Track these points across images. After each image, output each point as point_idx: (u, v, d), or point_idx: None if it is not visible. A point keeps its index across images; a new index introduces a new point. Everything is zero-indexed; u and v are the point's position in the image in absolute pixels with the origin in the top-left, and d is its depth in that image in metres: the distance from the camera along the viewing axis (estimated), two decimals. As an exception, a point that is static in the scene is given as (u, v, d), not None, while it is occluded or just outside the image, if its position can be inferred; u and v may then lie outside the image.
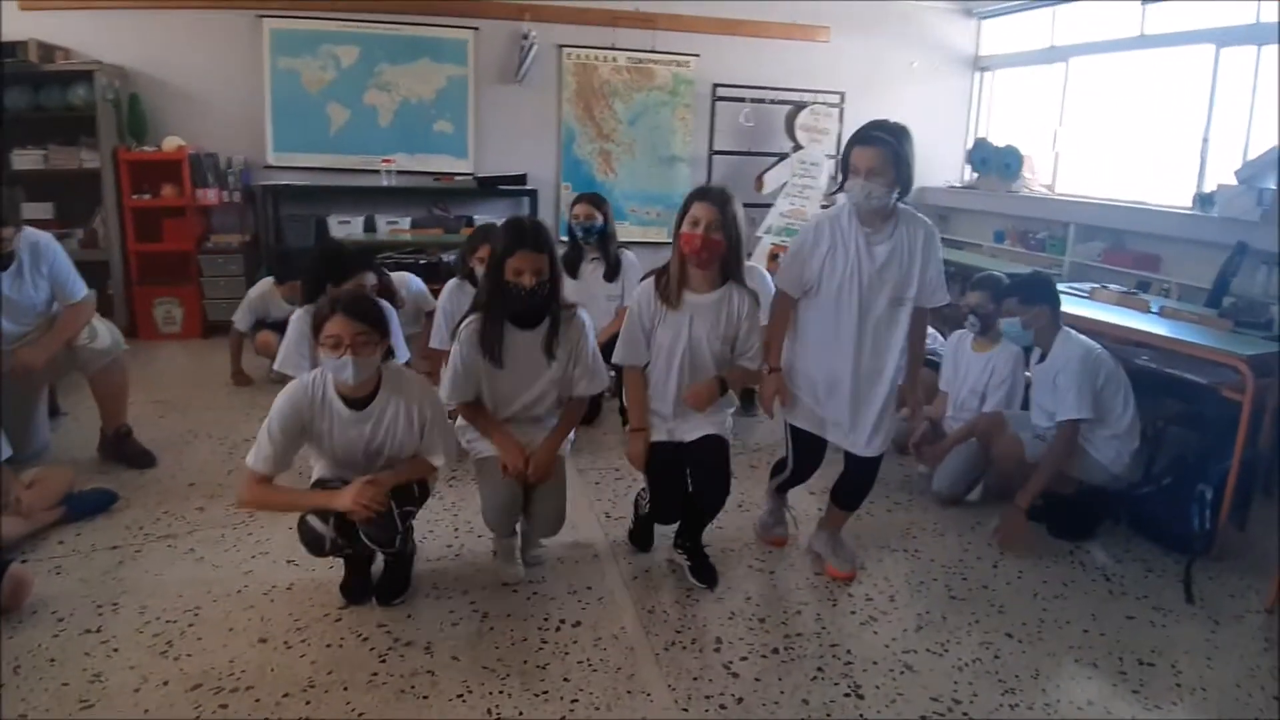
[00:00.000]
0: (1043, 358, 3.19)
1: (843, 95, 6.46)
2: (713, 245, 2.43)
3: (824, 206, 6.04)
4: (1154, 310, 3.67)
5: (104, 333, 3.41)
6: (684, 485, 2.61)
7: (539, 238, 2.43)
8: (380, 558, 2.52)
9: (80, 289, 3.37)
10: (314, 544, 2.34)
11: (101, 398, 3.45)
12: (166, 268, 5.46)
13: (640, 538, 2.86)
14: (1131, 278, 4.90)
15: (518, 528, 2.70)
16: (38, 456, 3.43)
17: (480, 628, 2.39)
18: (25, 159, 5.08)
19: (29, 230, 3.23)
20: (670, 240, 2.55)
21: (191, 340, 5.49)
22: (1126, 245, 5.22)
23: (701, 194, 2.48)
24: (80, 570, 2.64)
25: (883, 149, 2.38)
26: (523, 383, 2.56)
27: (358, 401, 2.35)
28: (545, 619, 2.44)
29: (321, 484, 2.41)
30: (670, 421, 2.61)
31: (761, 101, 6.40)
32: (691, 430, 2.59)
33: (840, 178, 2.53)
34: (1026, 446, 3.14)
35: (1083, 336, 3.15)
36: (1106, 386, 3.05)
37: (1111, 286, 4.23)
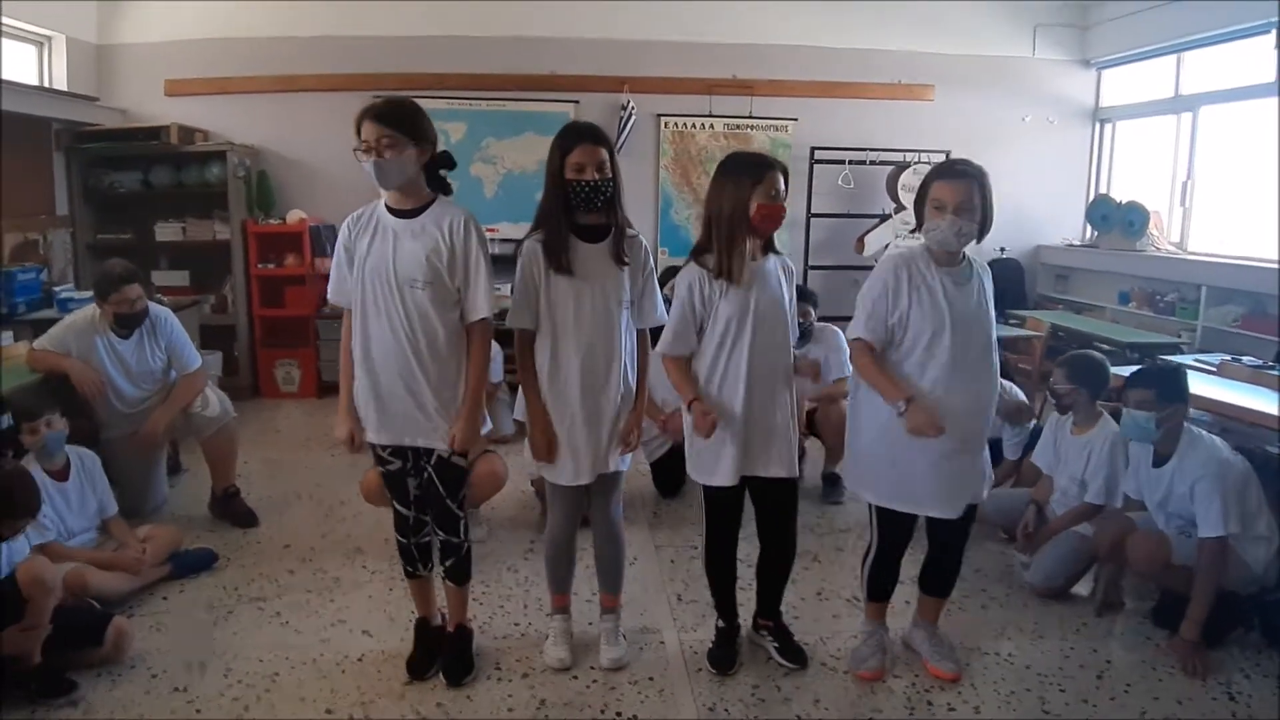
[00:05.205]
0: (1160, 459, 2.86)
1: (948, 154, 6.26)
2: (784, 212, 2.41)
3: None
4: (1289, 389, 3.33)
5: (215, 401, 3.67)
6: (739, 522, 2.56)
7: (596, 132, 2.37)
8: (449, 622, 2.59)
9: (195, 360, 3.67)
10: (401, 524, 2.50)
11: (211, 460, 3.69)
12: (288, 331, 5.84)
13: (721, 658, 2.61)
14: (1272, 346, 4.47)
15: (602, 632, 2.66)
16: (156, 511, 3.70)
17: (536, 715, 2.36)
18: (166, 230, 5.61)
19: (150, 304, 3.56)
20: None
21: (308, 399, 5.81)
22: (1268, 310, 4.79)
23: (769, 164, 2.39)
24: (178, 627, 2.80)
25: (971, 184, 2.30)
26: (596, 297, 2.38)
27: (405, 213, 2.31)
28: (602, 710, 2.38)
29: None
30: (743, 441, 2.41)
31: (862, 163, 6.30)
32: (767, 463, 2.45)
33: (916, 217, 2.42)
34: (1174, 546, 2.79)
35: (1210, 435, 2.85)
36: (1244, 490, 2.73)
37: (1244, 359, 3.87)
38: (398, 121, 2.23)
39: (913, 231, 5.80)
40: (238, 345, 5.74)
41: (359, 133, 2.23)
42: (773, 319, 2.43)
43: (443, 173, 2.38)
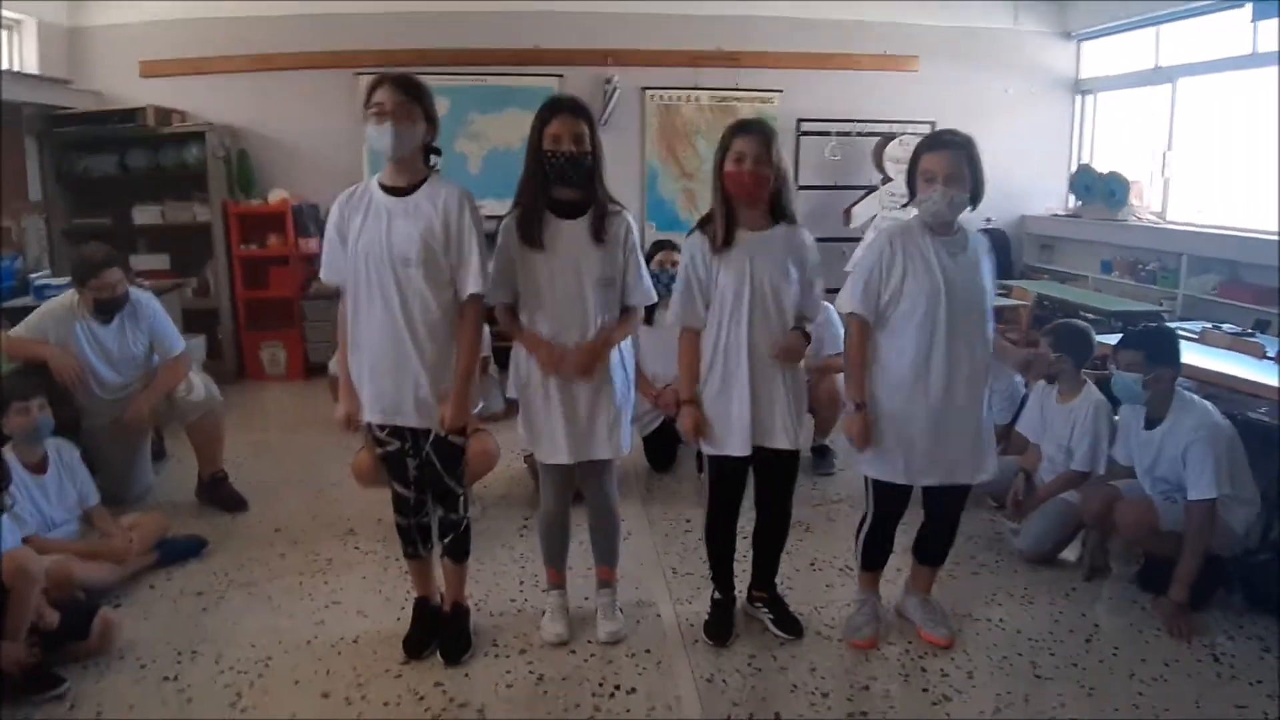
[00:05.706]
0: (1151, 423, 2.88)
1: (933, 125, 6.23)
2: (761, 180, 2.32)
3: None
4: (1270, 355, 3.36)
5: (199, 386, 3.63)
6: (742, 494, 2.55)
7: (576, 104, 2.34)
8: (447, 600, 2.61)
9: (178, 344, 3.62)
10: (401, 505, 2.48)
11: (198, 445, 3.65)
12: (272, 313, 5.76)
13: (717, 629, 2.62)
14: (1250, 314, 4.52)
15: (599, 606, 2.66)
16: (140, 499, 3.65)
17: (535, 691, 2.37)
18: (144, 214, 5.50)
19: (130, 289, 3.50)
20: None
21: (294, 381, 5.75)
22: (1244, 278, 4.84)
23: (743, 128, 2.37)
24: (166, 616, 2.77)
25: (959, 153, 2.31)
26: (568, 274, 2.33)
27: (399, 190, 2.27)
28: (600, 684, 2.39)
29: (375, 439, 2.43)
30: (751, 412, 2.40)
31: (848, 135, 6.29)
32: (771, 434, 2.44)
33: (909, 190, 2.42)
34: (1160, 513, 2.82)
35: (1198, 399, 2.87)
36: (1233, 454, 2.76)
37: (1225, 327, 3.91)
38: (416, 93, 2.23)
39: (905, 205, 5.82)
40: (221, 328, 5.66)
41: (369, 99, 2.20)
42: (774, 289, 2.39)
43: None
